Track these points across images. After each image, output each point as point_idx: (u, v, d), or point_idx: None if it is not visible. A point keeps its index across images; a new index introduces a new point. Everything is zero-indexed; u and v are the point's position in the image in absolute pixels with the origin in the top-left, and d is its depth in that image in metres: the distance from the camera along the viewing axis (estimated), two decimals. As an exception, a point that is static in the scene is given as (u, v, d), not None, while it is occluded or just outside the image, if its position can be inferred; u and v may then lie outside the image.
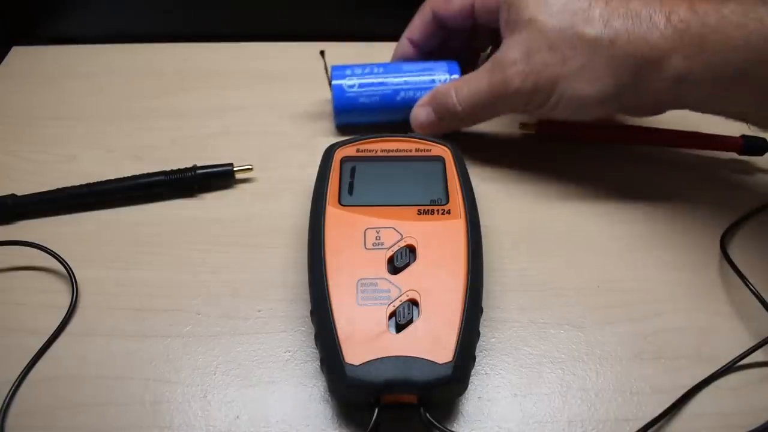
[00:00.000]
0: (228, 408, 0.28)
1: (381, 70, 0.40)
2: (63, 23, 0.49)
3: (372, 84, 0.40)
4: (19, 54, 0.48)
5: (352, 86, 0.40)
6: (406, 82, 0.40)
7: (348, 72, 0.40)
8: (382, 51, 0.46)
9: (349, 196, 0.32)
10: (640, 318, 0.32)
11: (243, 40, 0.49)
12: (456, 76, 0.40)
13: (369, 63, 0.41)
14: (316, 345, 0.28)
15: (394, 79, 0.40)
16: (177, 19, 0.50)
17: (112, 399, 0.28)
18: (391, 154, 0.35)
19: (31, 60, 0.48)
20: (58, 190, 0.36)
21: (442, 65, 0.40)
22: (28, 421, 0.28)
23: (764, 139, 0.40)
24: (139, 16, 0.49)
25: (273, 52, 0.49)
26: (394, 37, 0.42)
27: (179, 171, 0.37)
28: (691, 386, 0.29)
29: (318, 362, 0.28)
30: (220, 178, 0.38)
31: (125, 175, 0.37)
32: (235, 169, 0.38)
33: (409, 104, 0.40)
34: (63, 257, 0.33)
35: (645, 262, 0.34)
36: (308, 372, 0.30)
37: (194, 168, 0.37)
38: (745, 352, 0.30)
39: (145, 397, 0.28)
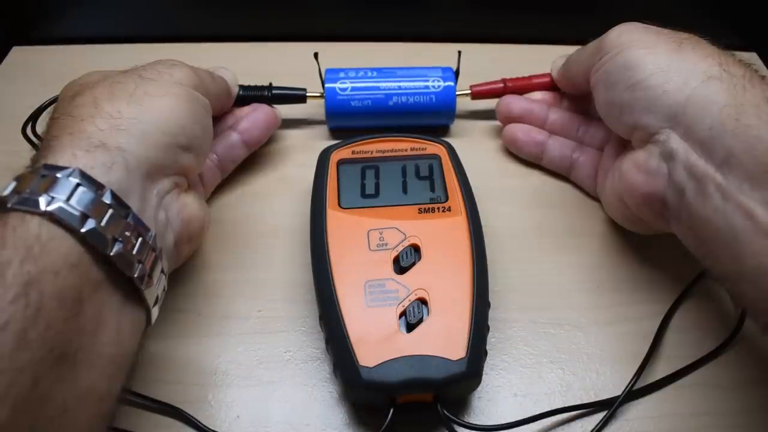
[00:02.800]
0: (228, 408, 0.28)
1: (375, 74, 0.40)
2: (63, 23, 0.49)
3: (365, 88, 0.39)
4: (19, 54, 0.48)
5: (344, 89, 0.39)
6: (399, 87, 0.39)
7: (341, 75, 0.40)
8: (382, 52, 0.46)
9: (348, 199, 0.32)
10: (640, 318, 0.32)
11: (242, 40, 0.49)
12: (450, 83, 0.40)
13: (365, 67, 0.40)
14: (327, 350, 0.28)
15: (388, 84, 0.39)
16: (177, 20, 0.50)
17: (112, 399, 0.28)
18: (386, 154, 0.34)
19: (31, 60, 0.48)
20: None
21: (437, 71, 0.40)
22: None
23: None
24: (139, 17, 0.49)
25: (272, 53, 0.49)
26: (393, 37, 0.42)
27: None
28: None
29: (326, 365, 0.28)
30: None
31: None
32: None
33: (401, 109, 0.39)
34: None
35: (645, 263, 0.34)
36: (308, 372, 0.30)
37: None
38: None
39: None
